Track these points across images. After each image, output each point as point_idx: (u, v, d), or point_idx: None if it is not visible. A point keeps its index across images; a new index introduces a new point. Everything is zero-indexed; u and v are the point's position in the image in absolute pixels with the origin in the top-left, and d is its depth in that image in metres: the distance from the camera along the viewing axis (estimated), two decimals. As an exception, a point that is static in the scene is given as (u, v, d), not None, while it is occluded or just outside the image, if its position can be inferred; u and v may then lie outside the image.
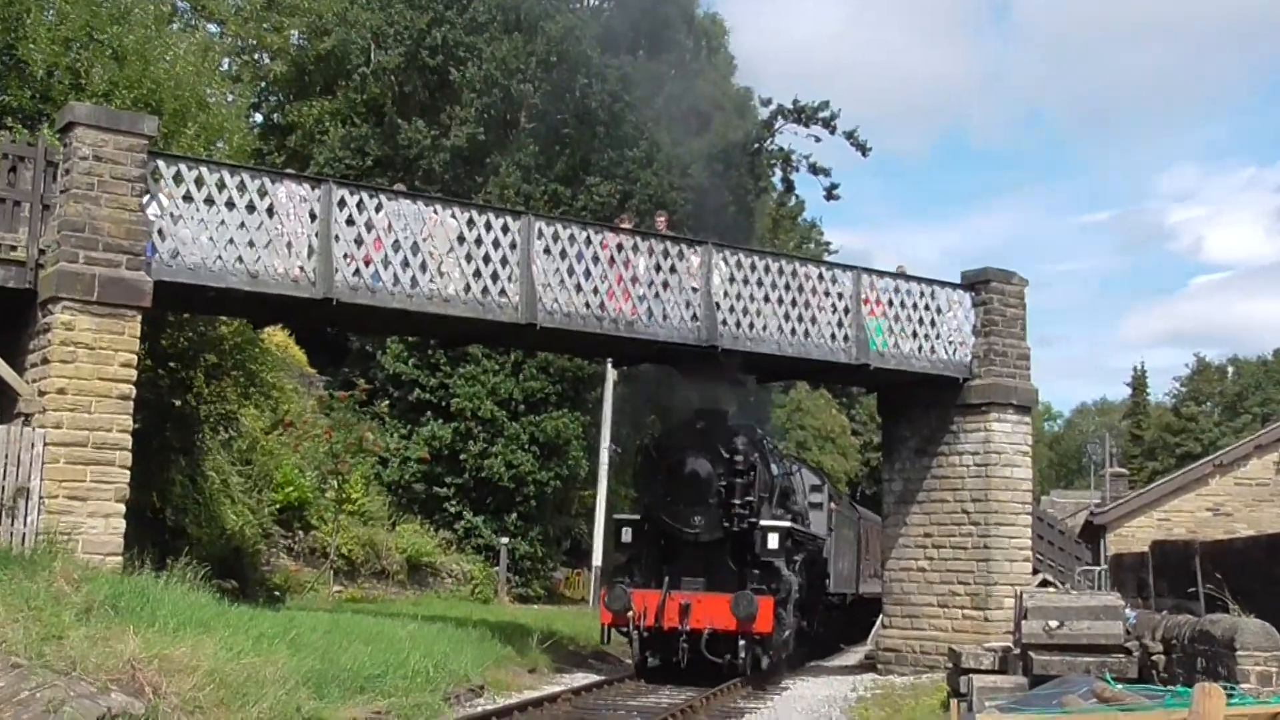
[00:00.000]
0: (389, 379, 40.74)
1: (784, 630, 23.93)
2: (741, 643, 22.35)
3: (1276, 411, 77.70)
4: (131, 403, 18.02)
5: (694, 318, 22.80)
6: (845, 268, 25.21)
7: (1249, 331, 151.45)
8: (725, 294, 23.18)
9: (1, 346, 18.43)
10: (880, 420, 30.33)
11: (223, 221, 18.98)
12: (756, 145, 56.46)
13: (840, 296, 24.49)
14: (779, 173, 59.50)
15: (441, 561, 37.50)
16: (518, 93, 43.79)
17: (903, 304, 25.24)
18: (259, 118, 49.08)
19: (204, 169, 19.21)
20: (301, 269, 19.57)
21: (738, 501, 23.37)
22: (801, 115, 55.73)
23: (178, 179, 18.80)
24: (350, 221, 20.01)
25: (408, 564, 35.80)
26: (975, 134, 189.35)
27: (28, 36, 22.96)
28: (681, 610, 22.52)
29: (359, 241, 20.07)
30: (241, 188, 19.21)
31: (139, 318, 18.15)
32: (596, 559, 40.30)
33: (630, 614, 22.65)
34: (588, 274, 21.89)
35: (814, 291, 24.16)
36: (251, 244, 19.14)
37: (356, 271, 20.00)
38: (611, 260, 22.14)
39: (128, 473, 17.85)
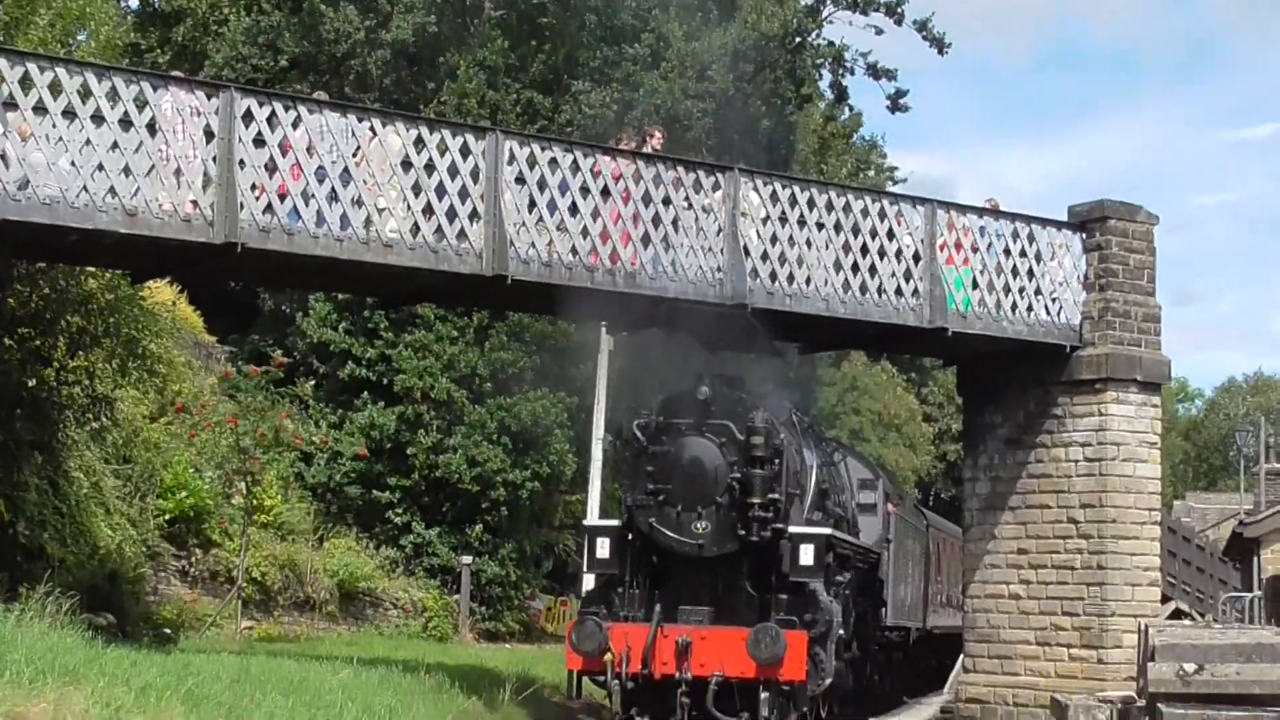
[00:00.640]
0: (313, 350, 40.74)
1: (822, 677, 22.95)
2: (764, 695, 21.46)
3: None
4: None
5: (716, 268, 22.76)
6: (916, 201, 25.17)
7: None
8: (757, 236, 23.13)
9: None
10: (961, 402, 30.33)
11: (88, 141, 18.86)
12: (798, 40, 56.25)
13: (909, 240, 24.45)
14: (828, 76, 59.25)
15: (384, 588, 37.53)
16: (481, -30, 43.82)
17: (991, 249, 25.20)
18: (135, 2, 48.99)
19: (61, 71, 19.07)
20: (195, 205, 19.49)
21: (757, 501, 22.48)
22: (858, 0, 55.56)
23: (25, 84, 18.64)
24: (259, 142, 19.94)
25: (339, 591, 35.84)
26: (1093, 27, 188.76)
27: None
28: (679, 651, 21.65)
29: (271, 168, 20.00)
30: (113, 96, 19.10)
31: (-20, 269, 18.16)
32: (588, 583, 40.39)
33: (608, 657, 21.75)
34: (574, 210, 21.84)
35: (874, 233, 24.12)
36: (127, 171, 19.06)
37: (268, 208, 19.94)
38: (606, 192, 22.08)
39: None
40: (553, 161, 21.80)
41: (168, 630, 27.24)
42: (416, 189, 20.91)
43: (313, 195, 20.20)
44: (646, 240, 22.33)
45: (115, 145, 18.99)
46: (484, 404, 40.11)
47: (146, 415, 31.60)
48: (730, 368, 24.60)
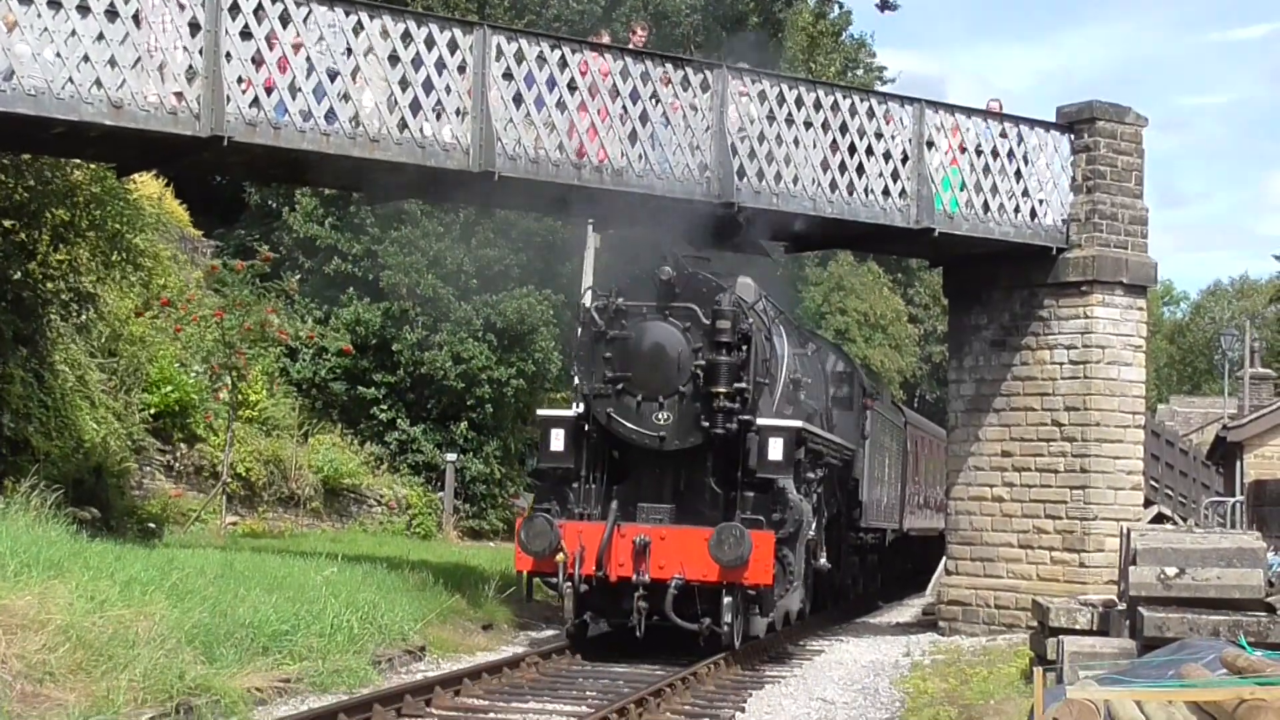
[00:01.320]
0: (298, 244, 40.66)
1: (791, 581, 21.65)
2: (727, 600, 20.08)
3: None
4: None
5: (703, 166, 22.70)
6: (904, 100, 25.07)
7: None
8: (744, 135, 23.05)
9: None
10: (946, 303, 30.33)
11: (74, 32, 18.74)
12: (788, -65, 55.86)
13: (896, 139, 24.38)
14: (817, -28, 58.99)
15: (368, 485, 37.66)
16: None
17: (979, 150, 25.14)
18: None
19: (47, -40, 18.95)
20: (181, 97, 19.39)
21: (723, 390, 20.79)
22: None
23: (12, -26, 18.55)
24: (246, 34, 19.81)
25: (324, 488, 35.97)
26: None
27: None
28: (637, 551, 20.24)
29: (258, 61, 19.88)
30: (99, -14, 18.99)
31: (-36, 161, 18.08)
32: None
33: (560, 558, 20.36)
34: (561, 106, 21.76)
35: (862, 133, 24.05)
36: (113, 63, 18.95)
37: (255, 101, 19.84)
38: (593, 89, 22.00)
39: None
40: (540, 57, 21.72)
41: (152, 525, 27.32)
42: (404, 84, 20.83)
43: (300, 89, 20.12)
44: (634, 137, 22.25)
45: (101, 36, 18.86)
46: (470, 301, 40.08)
47: (132, 310, 31.54)
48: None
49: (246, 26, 19.79)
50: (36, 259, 24.87)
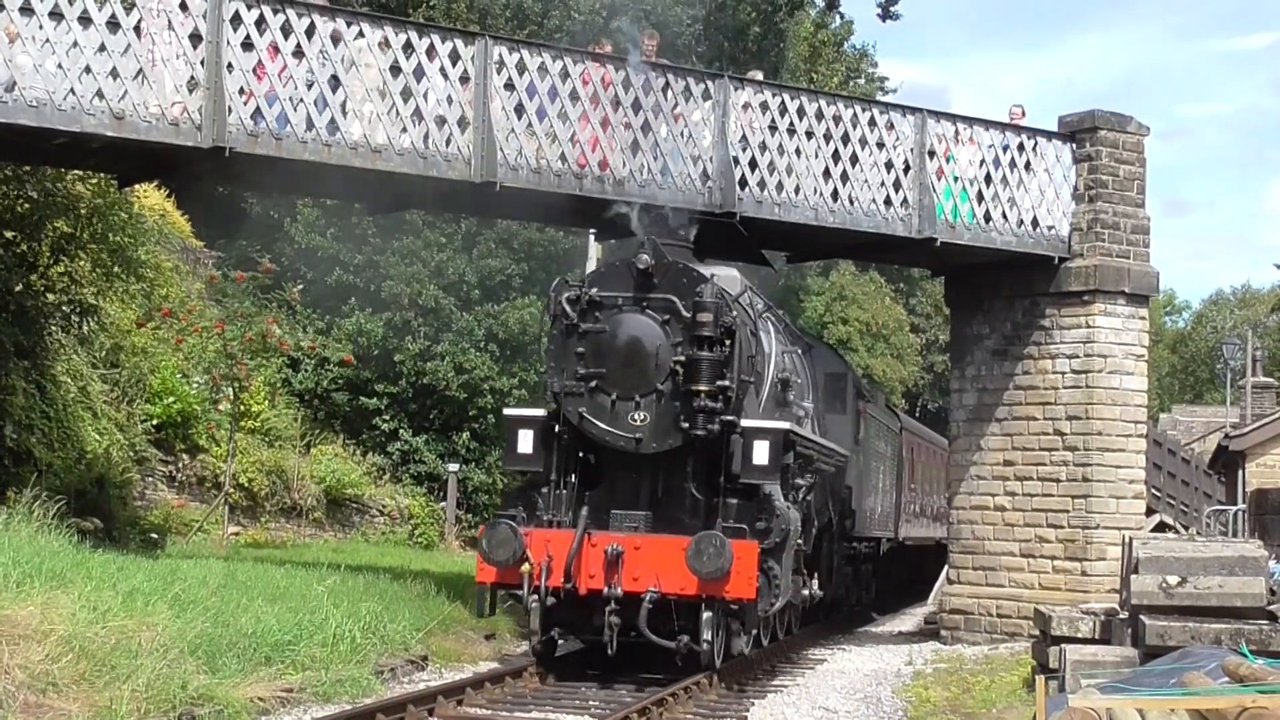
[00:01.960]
0: (300, 255, 40.63)
1: (776, 595, 19.91)
2: (706, 615, 18.56)
3: None
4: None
5: (704, 175, 22.73)
6: (906, 110, 25.12)
7: None
8: (746, 145, 23.08)
9: None
10: (948, 313, 30.34)
11: (75, 43, 18.78)
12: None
13: (898, 149, 24.42)
14: (818, -17, 59.00)
15: (370, 495, 37.63)
16: None
17: (980, 160, 25.17)
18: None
19: (48, -29, 18.99)
20: (183, 108, 19.42)
21: (704, 388, 19.39)
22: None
23: (13, -15, 18.60)
24: (248, 45, 19.85)
25: (326, 498, 35.94)
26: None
27: None
28: (609, 562, 18.78)
29: (260, 72, 19.93)
30: (100, -2, 19.02)
31: (-33, 172, 18.11)
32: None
33: (525, 568, 18.84)
34: (563, 117, 21.79)
35: (864, 142, 24.09)
36: (115, 74, 18.98)
37: (256, 112, 19.88)
38: (595, 99, 22.03)
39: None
40: (542, 67, 21.77)
41: (154, 535, 27.30)
42: (406, 94, 20.87)
43: (301, 100, 20.15)
44: (635, 148, 22.28)
45: (103, 47, 18.89)
46: (472, 311, 40.08)
47: (134, 321, 31.56)
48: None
49: (247, 36, 19.84)
50: (38, 271, 24.88)
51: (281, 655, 16.25)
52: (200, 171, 22.43)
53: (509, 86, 21.49)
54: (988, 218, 25.18)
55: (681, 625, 18.79)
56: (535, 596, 18.82)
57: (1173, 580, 15.18)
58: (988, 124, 25.62)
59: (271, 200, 40.75)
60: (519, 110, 21.57)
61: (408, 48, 20.96)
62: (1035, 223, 25.77)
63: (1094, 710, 10.51)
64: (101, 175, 24.04)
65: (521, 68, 21.59)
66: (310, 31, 20.29)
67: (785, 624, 23.82)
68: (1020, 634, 24.76)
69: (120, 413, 29.95)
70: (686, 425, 19.51)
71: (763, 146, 23.22)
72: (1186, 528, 36.07)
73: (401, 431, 39.71)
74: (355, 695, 16.30)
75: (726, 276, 21.23)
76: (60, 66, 18.73)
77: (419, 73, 20.95)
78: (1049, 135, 26.20)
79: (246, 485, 33.22)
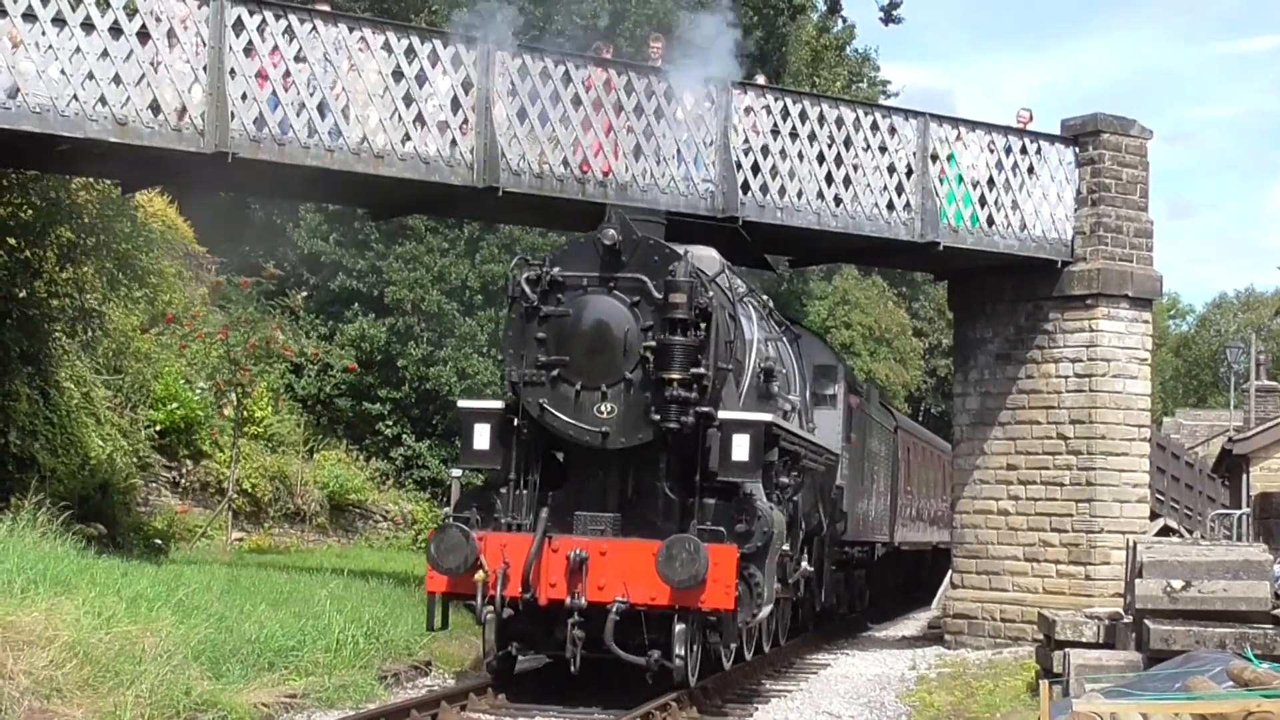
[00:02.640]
0: (303, 261, 40.66)
1: (758, 605, 17.75)
2: (679, 628, 16.86)
3: None
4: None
5: (706, 180, 22.73)
6: (909, 114, 25.13)
7: None
8: (748, 149, 23.10)
9: None
10: (951, 317, 30.34)
11: (78, 49, 18.82)
12: (791, -51, 55.90)
13: (900, 153, 24.43)
14: (821, -13, 59.01)
15: (374, 500, 37.64)
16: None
17: (984, 164, 25.17)
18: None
19: (50, -22, 19.01)
20: (185, 114, 19.44)
21: (677, 376, 17.45)
22: (851, -90, 55.05)
23: (16, -9, 18.62)
24: (250, 50, 19.87)
25: (329, 503, 35.95)
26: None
27: None
28: (571, 569, 17.04)
29: (262, 77, 19.94)
30: (102, 3, 19.06)
31: (-30, 178, 18.13)
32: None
33: (479, 576, 17.15)
34: (566, 122, 21.80)
35: (866, 147, 24.10)
36: (118, 80, 19.01)
37: (259, 118, 19.89)
38: (598, 104, 22.03)
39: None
40: (544, 72, 21.79)
41: (158, 541, 27.32)
42: (408, 100, 20.88)
43: (304, 105, 20.17)
44: (638, 152, 22.29)
45: (105, 53, 18.93)
46: (475, 316, 40.08)
47: (137, 327, 31.58)
48: None
49: (250, 42, 19.87)
50: (42, 277, 24.90)
51: (285, 661, 16.26)
52: (203, 177, 22.47)
53: (511, 91, 21.51)
54: (990, 222, 25.19)
55: (652, 639, 17.04)
56: (490, 608, 17.13)
57: (1177, 584, 15.18)
58: (990, 127, 25.62)
59: (274, 206, 40.79)
60: (521, 115, 21.59)
61: (410, 52, 20.98)
62: (1038, 227, 25.76)
63: (1098, 715, 10.51)
64: (104, 181, 24.04)
65: (523, 72, 21.62)
66: (312, 36, 20.32)
67: (772, 635, 22.34)
68: (1024, 638, 24.74)
69: (124, 419, 29.97)
70: (658, 417, 17.58)
71: (765, 151, 23.23)
72: (1190, 532, 36.05)
73: (404, 437, 39.70)
74: (359, 701, 16.28)
75: (703, 255, 19.48)
76: (63, 73, 18.78)
77: (421, 77, 20.98)
78: (1051, 139, 26.19)
79: (250, 491, 33.24)
